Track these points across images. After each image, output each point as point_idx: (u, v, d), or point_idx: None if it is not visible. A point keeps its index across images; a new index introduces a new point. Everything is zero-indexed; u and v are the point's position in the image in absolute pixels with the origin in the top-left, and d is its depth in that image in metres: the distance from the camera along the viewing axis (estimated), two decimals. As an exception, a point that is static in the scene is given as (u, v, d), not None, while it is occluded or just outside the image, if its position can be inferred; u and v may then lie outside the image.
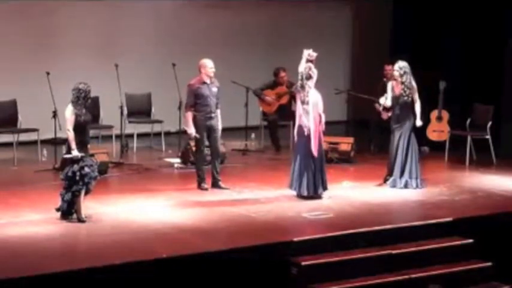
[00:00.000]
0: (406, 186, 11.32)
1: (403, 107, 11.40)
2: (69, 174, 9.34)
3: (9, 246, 8.47)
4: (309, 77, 10.51)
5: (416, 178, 11.38)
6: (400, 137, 11.40)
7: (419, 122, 11.52)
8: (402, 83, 11.35)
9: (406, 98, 11.36)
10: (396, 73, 11.41)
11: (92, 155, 11.76)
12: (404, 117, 11.41)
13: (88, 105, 9.58)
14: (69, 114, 9.41)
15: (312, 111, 10.45)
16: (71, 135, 9.37)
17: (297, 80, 10.71)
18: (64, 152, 9.60)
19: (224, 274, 8.40)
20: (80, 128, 9.41)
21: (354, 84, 16.41)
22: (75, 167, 9.32)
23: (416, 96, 11.42)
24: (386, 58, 15.13)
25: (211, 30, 15.57)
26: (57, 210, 9.43)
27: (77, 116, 9.41)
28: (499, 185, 11.74)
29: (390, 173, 11.48)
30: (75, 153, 9.33)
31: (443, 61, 14.38)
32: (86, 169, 9.34)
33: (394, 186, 11.36)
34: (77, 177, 9.31)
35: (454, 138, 13.45)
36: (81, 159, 9.35)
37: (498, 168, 12.96)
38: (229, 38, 15.73)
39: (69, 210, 9.38)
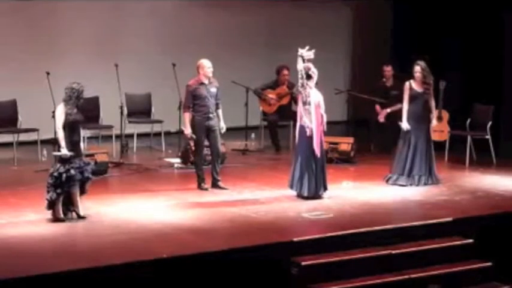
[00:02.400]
0: (427, 183, 11.52)
1: (424, 106, 11.60)
2: (55, 174, 9.32)
3: (9, 246, 8.47)
4: (309, 77, 10.51)
5: (433, 174, 11.63)
6: (420, 137, 11.53)
7: (435, 122, 11.82)
8: (427, 83, 11.55)
9: (427, 96, 11.58)
10: (420, 74, 11.56)
11: (92, 155, 11.87)
12: (424, 116, 11.64)
13: (80, 105, 9.56)
14: (59, 112, 9.44)
15: (313, 111, 10.45)
16: (60, 133, 9.36)
17: (297, 81, 10.71)
18: (45, 153, 9.57)
19: (224, 274, 8.39)
20: (69, 127, 9.39)
21: (354, 84, 16.41)
22: (62, 168, 9.30)
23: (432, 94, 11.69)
24: (386, 58, 15.16)
25: (211, 30, 15.56)
26: (48, 209, 9.44)
27: (67, 114, 9.40)
28: (499, 185, 11.74)
29: (401, 172, 11.51)
30: (64, 151, 9.32)
31: (443, 61, 14.38)
32: (72, 171, 9.32)
33: (418, 184, 11.45)
34: (63, 179, 9.30)
35: (454, 138, 13.45)
36: (70, 159, 9.33)
37: (498, 168, 12.96)
38: (229, 38, 15.72)
39: (51, 207, 9.37)
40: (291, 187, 10.68)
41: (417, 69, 11.59)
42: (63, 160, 9.35)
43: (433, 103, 11.71)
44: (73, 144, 9.43)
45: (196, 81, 11.13)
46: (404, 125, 11.60)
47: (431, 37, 15.03)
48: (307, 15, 16.39)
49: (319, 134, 10.51)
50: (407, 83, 11.69)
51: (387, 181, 11.60)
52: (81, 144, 9.65)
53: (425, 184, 11.47)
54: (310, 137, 10.47)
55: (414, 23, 15.39)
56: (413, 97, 11.59)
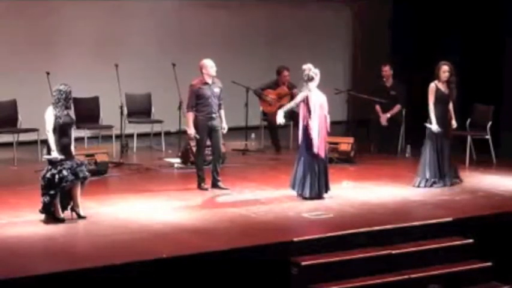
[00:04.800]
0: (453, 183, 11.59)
1: (449, 107, 11.54)
2: (48, 176, 9.30)
3: (9, 246, 8.47)
4: (311, 79, 10.46)
5: (456, 171, 11.72)
6: (445, 139, 11.49)
7: (455, 123, 11.73)
8: (452, 82, 11.48)
9: (452, 97, 11.53)
10: (448, 74, 11.46)
11: (92, 155, 11.86)
12: (448, 118, 11.57)
13: (69, 107, 9.50)
14: (48, 115, 9.36)
15: (315, 113, 10.40)
16: (50, 136, 9.32)
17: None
18: (44, 153, 9.54)
19: (224, 274, 8.39)
20: (59, 130, 9.35)
21: (354, 84, 16.41)
22: (54, 170, 9.28)
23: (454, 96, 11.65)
24: (386, 58, 15.15)
25: (211, 30, 15.56)
26: (41, 212, 9.43)
27: (56, 117, 9.34)
28: (499, 185, 11.73)
29: (433, 175, 11.47)
30: (55, 154, 9.27)
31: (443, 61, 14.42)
32: (64, 172, 9.29)
33: (445, 185, 11.47)
34: (56, 180, 9.27)
35: (454, 138, 13.42)
36: (60, 161, 9.30)
37: (498, 168, 12.96)
38: (229, 38, 15.72)
39: (48, 211, 9.36)
40: (293, 188, 10.65)
41: (445, 68, 11.47)
42: (53, 162, 9.32)
43: (451, 104, 11.58)
44: (63, 147, 9.38)
45: (200, 81, 11.12)
46: (434, 127, 11.40)
47: (431, 37, 15.03)
48: (307, 15, 16.39)
49: (322, 135, 10.48)
50: (432, 84, 11.50)
51: (418, 185, 11.48)
52: (72, 147, 9.55)
53: (455, 183, 11.51)
54: (313, 139, 10.41)
55: (414, 23, 15.40)
56: (440, 98, 11.47)
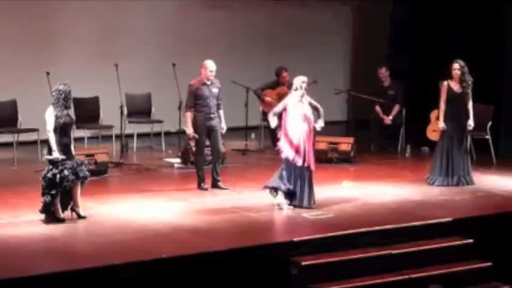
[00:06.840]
0: (468, 183, 11.52)
1: (462, 107, 11.46)
2: (49, 176, 9.29)
3: (9, 246, 8.47)
4: (295, 89, 10.15)
5: (470, 175, 11.61)
6: (457, 138, 11.46)
7: (472, 123, 11.58)
8: (464, 80, 11.40)
9: (467, 95, 11.43)
10: (459, 72, 11.42)
11: (92, 155, 11.86)
12: (462, 117, 11.48)
13: (69, 106, 9.47)
14: (48, 115, 9.34)
15: (297, 123, 10.08)
16: (51, 136, 9.30)
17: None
18: (45, 153, 9.53)
19: (224, 274, 8.40)
20: (60, 130, 9.33)
21: (354, 84, 16.40)
22: (55, 170, 9.27)
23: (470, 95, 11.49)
24: (386, 58, 15.15)
25: (211, 30, 15.56)
26: (41, 212, 9.42)
27: (56, 117, 9.32)
28: (499, 185, 11.74)
29: (439, 173, 11.48)
30: (56, 154, 9.26)
31: (443, 61, 14.40)
32: (65, 172, 9.28)
33: (457, 184, 11.45)
34: (57, 180, 9.27)
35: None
36: (61, 161, 9.29)
37: (498, 168, 12.97)
38: (229, 38, 15.71)
39: (48, 211, 9.35)
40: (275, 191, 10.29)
41: (455, 66, 11.43)
42: (54, 162, 9.31)
43: (470, 104, 11.52)
44: (64, 147, 9.37)
45: (199, 81, 11.13)
46: (441, 124, 11.44)
47: (431, 37, 15.03)
48: (307, 15, 16.38)
49: (304, 146, 10.05)
50: (445, 83, 11.49)
51: (428, 182, 11.55)
52: (72, 147, 9.54)
53: (462, 185, 11.47)
54: (295, 150, 10.11)
55: (414, 23, 15.39)
56: (452, 98, 11.44)
